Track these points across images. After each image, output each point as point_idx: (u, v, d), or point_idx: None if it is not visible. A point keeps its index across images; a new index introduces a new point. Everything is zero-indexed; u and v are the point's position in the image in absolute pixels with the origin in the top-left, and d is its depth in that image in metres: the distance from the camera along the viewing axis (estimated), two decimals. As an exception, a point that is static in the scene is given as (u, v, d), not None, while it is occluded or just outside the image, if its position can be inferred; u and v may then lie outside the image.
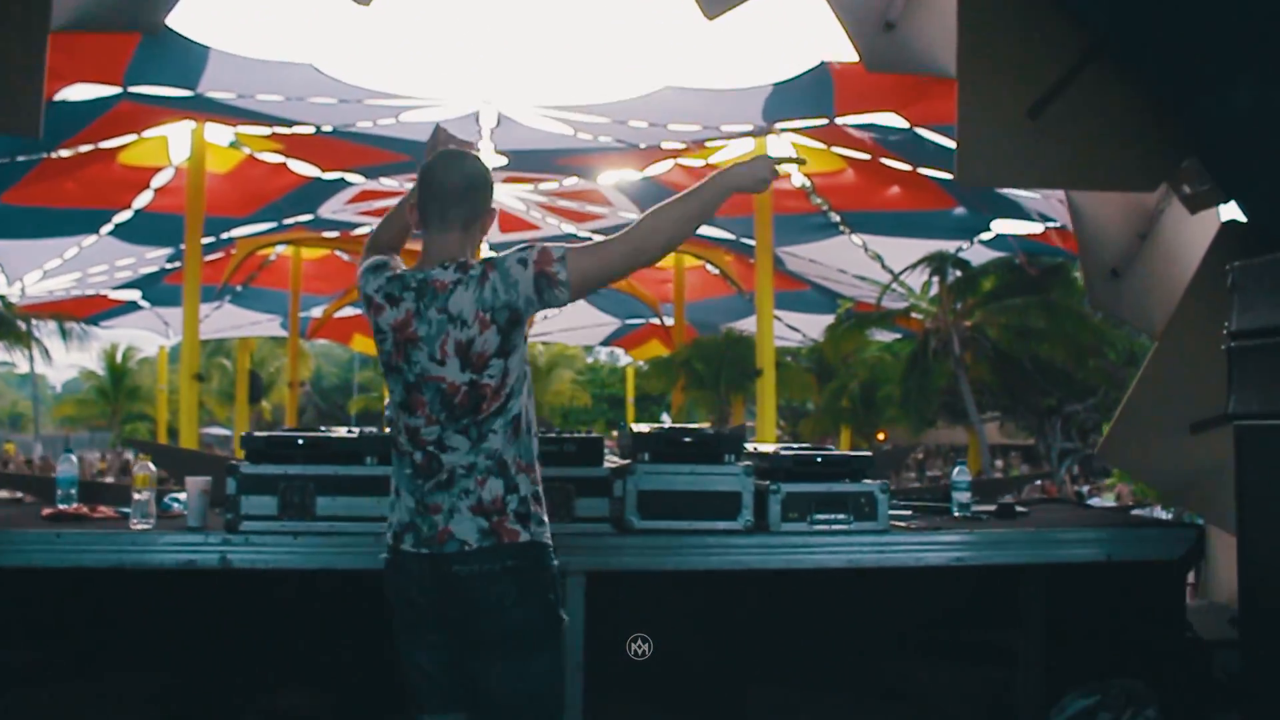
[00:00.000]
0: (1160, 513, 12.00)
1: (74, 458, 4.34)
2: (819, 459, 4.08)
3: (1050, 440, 23.63)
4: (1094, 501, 14.98)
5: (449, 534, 2.91)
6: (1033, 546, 4.08)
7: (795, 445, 4.39)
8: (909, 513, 4.54)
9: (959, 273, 21.85)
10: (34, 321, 23.56)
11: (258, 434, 3.94)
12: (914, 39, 4.20)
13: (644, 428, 4.08)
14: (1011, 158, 4.00)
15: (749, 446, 4.26)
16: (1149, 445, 4.31)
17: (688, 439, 3.94)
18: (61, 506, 4.02)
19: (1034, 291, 20.71)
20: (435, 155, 3.14)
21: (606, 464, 3.93)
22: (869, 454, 4.27)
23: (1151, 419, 4.31)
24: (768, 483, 3.91)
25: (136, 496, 3.67)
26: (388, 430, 3.21)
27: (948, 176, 18.15)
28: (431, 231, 3.08)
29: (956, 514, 4.49)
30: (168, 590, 3.95)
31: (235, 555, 3.66)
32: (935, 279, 22.07)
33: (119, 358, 39.38)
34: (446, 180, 3.06)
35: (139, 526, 3.65)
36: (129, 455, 37.06)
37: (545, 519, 3.02)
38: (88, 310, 28.72)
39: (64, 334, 23.35)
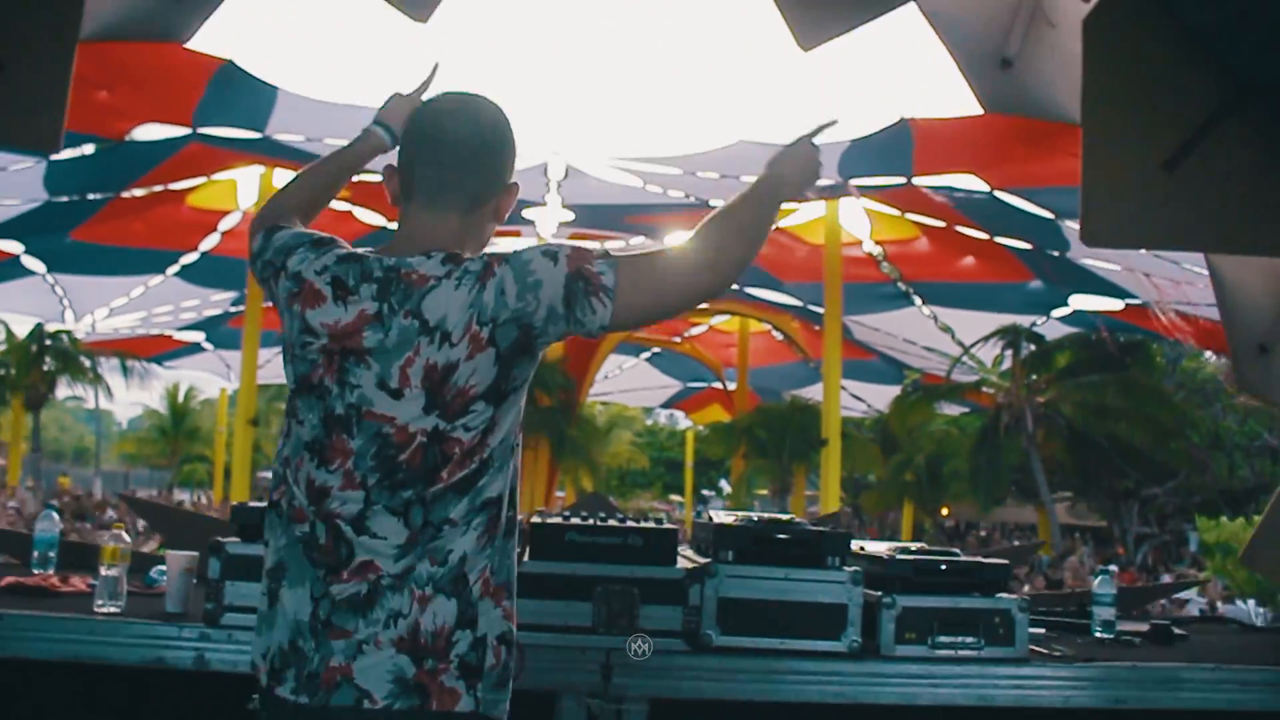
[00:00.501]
0: (1256, 608, 11.21)
1: (55, 516, 3.67)
2: (943, 565, 3.25)
3: (1126, 524, 22.68)
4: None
5: (344, 676, 1.87)
6: (1213, 688, 3.17)
7: (913, 547, 3.50)
8: (1043, 631, 3.58)
9: (1033, 347, 21.18)
10: (98, 358, 23.67)
11: (252, 504, 3.16)
12: (1033, 79, 3.75)
13: (728, 518, 3.32)
14: (1144, 215, 3.50)
15: (856, 546, 3.41)
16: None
17: (783, 535, 3.14)
18: (35, 572, 3.40)
19: (1112, 369, 19.96)
20: (436, 97, 2.16)
21: (681, 563, 3.15)
22: (1004, 561, 3.44)
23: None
24: (879, 593, 3.12)
25: (104, 572, 2.97)
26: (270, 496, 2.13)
27: (1026, 246, 17.66)
28: (417, 208, 2.05)
29: (1099, 634, 3.61)
30: (133, 689, 3.13)
31: (214, 654, 2.92)
32: (1008, 353, 21.40)
33: (180, 398, 39.73)
34: (455, 134, 2.04)
35: (104, 610, 2.93)
36: (183, 497, 37.18)
37: (509, 682, 1.98)
38: (152, 350, 28.90)
39: (125, 371, 23.45)
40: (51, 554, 3.52)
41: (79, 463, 57.47)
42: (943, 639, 3.11)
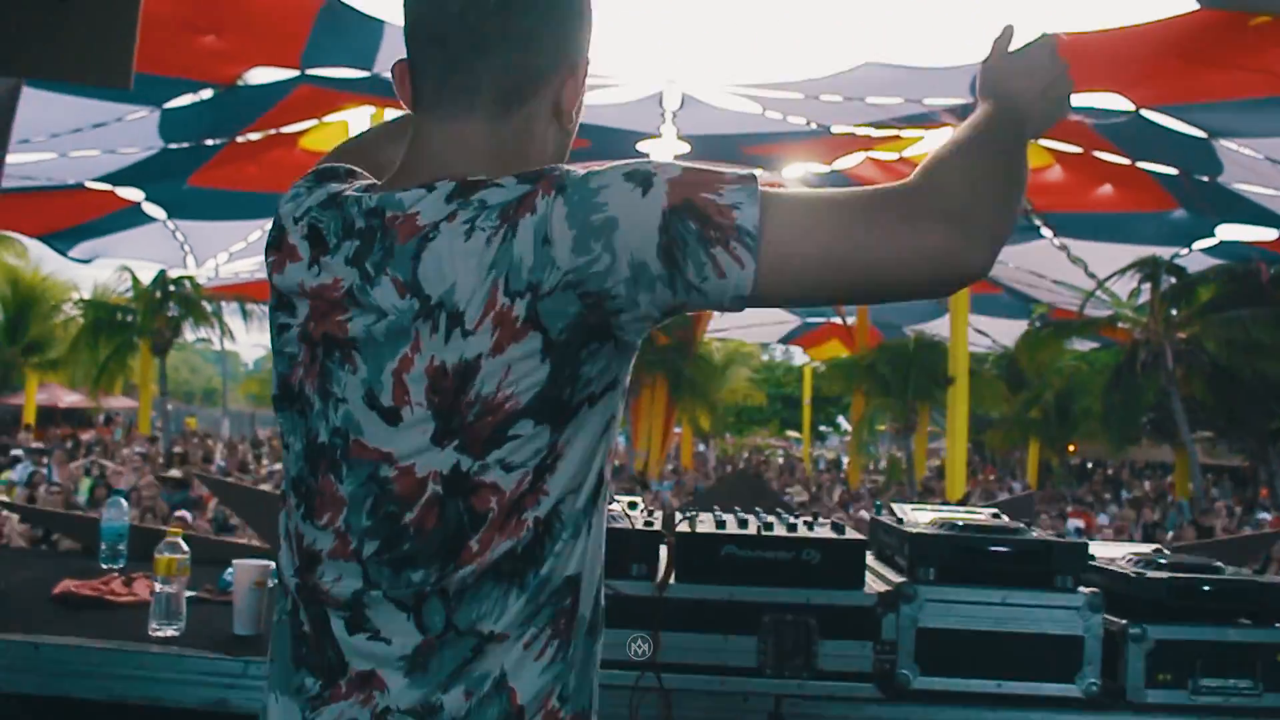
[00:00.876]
0: None
1: (124, 502, 3.22)
2: (1206, 584, 2.43)
3: (1275, 467, 21.45)
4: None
5: None
6: None
7: (1165, 556, 2.58)
8: None
9: (1174, 280, 20.01)
10: (220, 303, 24.08)
11: None
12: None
13: (923, 520, 2.56)
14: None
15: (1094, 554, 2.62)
16: None
17: (1001, 545, 2.39)
18: (102, 566, 2.98)
19: (1261, 303, 18.71)
20: None
21: (870, 586, 2.40)
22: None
23: None
24: (1124, 622, 2.37)
25: (158, 588, 2.47)
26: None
27: (1171, 172, 16.62)
28: (424, 115, 1.28)
29: None
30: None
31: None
32: (1145, 287, 20.28)
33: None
34: None
35: (160, 633, 2.44)
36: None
37: None
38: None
39: (245, 315, 23.75)
40: (120, 546, 3.12)
41: (208, 403, 59.08)
42: (1208, 682, 2.38)
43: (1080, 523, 15.31)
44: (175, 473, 13.26)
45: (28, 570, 3.11)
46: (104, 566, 3.07)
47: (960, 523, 2.49)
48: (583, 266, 1.12)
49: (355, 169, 1.40)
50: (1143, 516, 19.73)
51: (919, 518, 2.58)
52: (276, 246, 1.33)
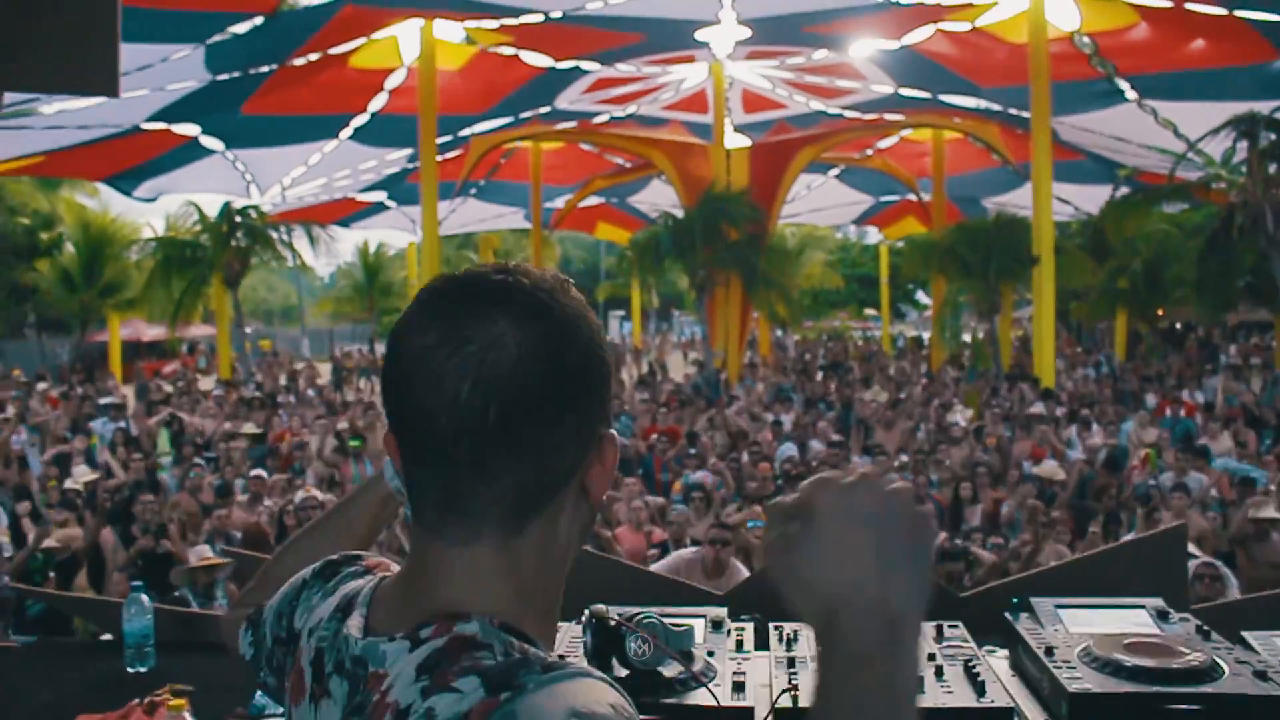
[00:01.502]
0: None
1: (145, 600, 2.82)
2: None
3: (1382, 326, 20.56)
4: None
5: None
6: None
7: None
8: None
9: (1274, 136, 18.86)
10: (287, 228, 24.01)
11: None
12: None
13: (1077, 653, 2.11)
14: None
15: None
16: None
17: (1189, 703, 1.93)
18: (128, 670, 2.65)
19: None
20: (425, 295, 1.07)
21: None
22: None
23: None
24: None
25: None
26: None
27: (1272, 18, 15.54)
28: (421, 533, 1.08)
29: None
30: None
31: None
32: (1242, 145, 19.17)
33: (371, 255, 40.50)
34: (429, 399, 1.00)
35: None
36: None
37: None
38: (337, 214, 29.27)
39: (312, 241, 23.68)
40: (148, 648, 2.80)
41: (286, 320, 59.95)
42: None
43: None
44: (251, 428, 13.21)
45: (44, 682, 2.78)
46: (129, 670, 2.78)
47: (1131, 664, 2.02)
48: None
49: (354, 554, 1.26)
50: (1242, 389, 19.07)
51: (1070, 647, 2.14)
52: (289, 669, 1.18)
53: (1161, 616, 2.35)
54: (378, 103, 20.67)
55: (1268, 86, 17.90)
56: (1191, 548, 6.85)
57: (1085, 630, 2.24)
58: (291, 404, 17.20)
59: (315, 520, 1.60)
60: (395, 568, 1.18)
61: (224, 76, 16.85)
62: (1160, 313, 28.12)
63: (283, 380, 21.94)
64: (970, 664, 2.10)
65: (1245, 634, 2.34)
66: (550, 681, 0.93)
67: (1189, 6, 15.82)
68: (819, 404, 16.79)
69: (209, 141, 20.52)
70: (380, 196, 28.58)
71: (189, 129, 19.41)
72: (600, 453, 1.07)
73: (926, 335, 34.50)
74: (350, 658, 1.07)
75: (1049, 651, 2.12)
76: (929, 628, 2.34)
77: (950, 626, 2.37)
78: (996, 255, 20.75)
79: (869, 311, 50.09)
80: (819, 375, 21.62)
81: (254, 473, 9.99)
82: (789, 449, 12.39)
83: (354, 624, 1.09)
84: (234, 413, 14.99)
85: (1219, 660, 2.04)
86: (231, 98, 17.93)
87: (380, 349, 38.42)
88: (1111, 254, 25.64)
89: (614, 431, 1.09)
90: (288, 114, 19.42)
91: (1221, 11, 15.76)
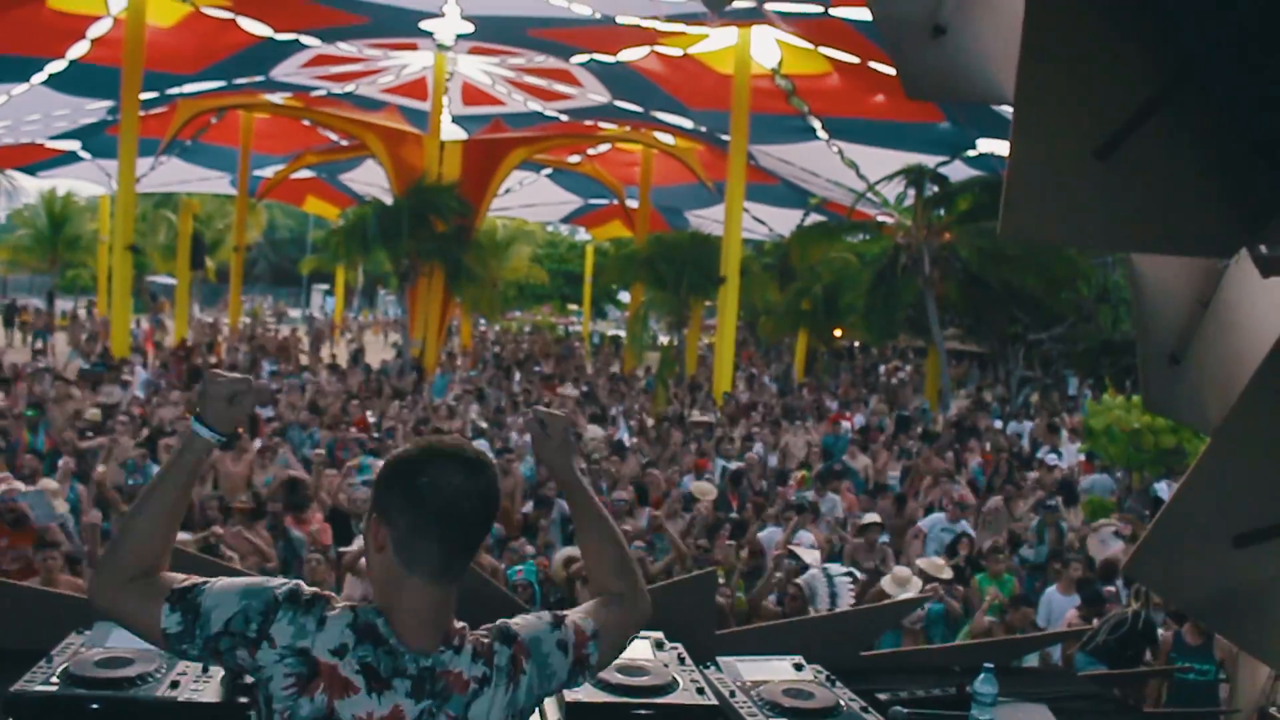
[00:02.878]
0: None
1: None
2: None
3: (1011, 366, 23.11)
4: (1050, 458, 14.49)
5: None
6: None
7: None
8: None
9: (936, 188, 21.03)
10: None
11: None
12: (967, 49, 3.36)
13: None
14: (1071, 208, 3.21)
15: None
16: (1183, 560, 3.60)
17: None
18: None
19: (1011, 215, 19.91)
20: (442, 457, 1.92)
21: None
22: None
23: (1191, 528, 3.57)
24: None
25: None
26: None
27: (937, 90, 17.31)
28: (422, 583, 1.88)
29: None
30: None
31: None
32: (911, 192, 21.24)
33: (58, 206, 37.68)
34: (473, 513, 1.92)
35: None
36: (66, 305, 35.82)
37: None
38: (22, 160, 27.37)
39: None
40: None
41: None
42: None
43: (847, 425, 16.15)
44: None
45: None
46: None
47: (614, 683, 2.95)
48: (540, 696, 2.02)
49: (317, 593, 1.89)
50: (899, 401, 21.05)
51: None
52: (314, 678, 1.80)
53: (657, 645, 3.26)
54: (78, 50, 19.54)
55: (935, 143, 19.91)
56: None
57: None
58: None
59: (147, 491, 1.96)
60: (343, 602, 1.88)
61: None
62: (837, 333, 30.35)
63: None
64: None
65: (720, 658, 3.28)
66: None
67: (872, 65, 17.38)
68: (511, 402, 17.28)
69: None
70: (74, 145, 26.94)
71: None
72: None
73: (625, 334, 35.76)
74: (418, 666, 1.85)
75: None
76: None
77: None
78: (689, 271, 22.00)
79: (572, 307, 51.21)
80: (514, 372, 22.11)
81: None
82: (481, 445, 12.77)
83: (397, 643, 1.85)
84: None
85: (677, 678, 2.98)
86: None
87: (61, 305, 36.00)
88: (796, 276, 27.54)
89: None
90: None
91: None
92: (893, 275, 21.09)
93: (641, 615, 2.19)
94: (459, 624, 1.94)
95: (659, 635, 3.29)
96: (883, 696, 3.27)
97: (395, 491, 1.89)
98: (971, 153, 20.04)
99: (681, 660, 3.17)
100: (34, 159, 28.13)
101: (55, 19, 18.22)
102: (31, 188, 36.98)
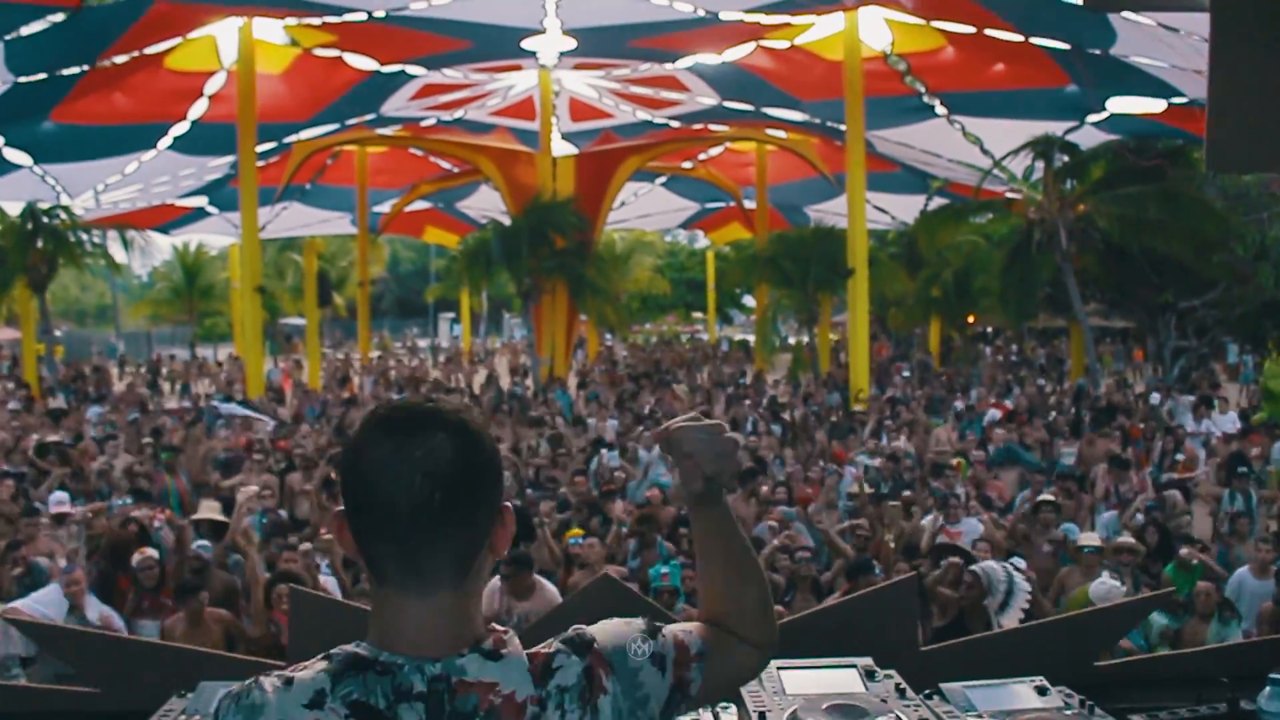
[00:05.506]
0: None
1: None
2: None
3: (1163, 339, 21.92)
4: (1203, 425, 13.63)
5: None
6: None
7: None
8: None
9: (1066, 158, 20.07)
10: (99, 231, 22.79)
11: None
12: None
13: None
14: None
15: None
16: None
17: None
18: None
19: (1150, 179, 18.88)
20: (370, 424, 1.48)
21: None
22: None
23: None
24: None
25: None
26: None
27: (1063, 47, 16.54)
28: (394, 595, 1.45)
29: None
30: None
31: None
32: (1040, 165, 20.34)
33: (190, 256, 38.97)
34: (397, 496, 1.41)
35: None
36: (207, 353, 36.94)
37: None
38: (156, 220, 28.22)
39: (126, 245, 22.60)
40: None
41: (101, 321, 57.33)
42: None
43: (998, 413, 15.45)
44: (57, 437, 12.70)
45: None
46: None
47: None
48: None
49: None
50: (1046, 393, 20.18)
51: (781, 710, 2.56)
52: None
53: (869, 675, 2.71)
54: (198, 110, 19.99)
55: (1062, 108, 19.03)
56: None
57: (799, 691, 2.62)
58: (103, 414, 16.54)
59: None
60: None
61: (27, 79, 16.04)
62: (971, 319, 29.43)
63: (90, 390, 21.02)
64: None
65: (943, 685, 2.67)
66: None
67: (989, 33, 16.69)
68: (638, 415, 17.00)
69: (14, 155, 19.42)
70: (201, 202, 27.70)
71: (-9, 139, 18.41)
72: (502, 519, 1.50)
73: (753, 338, 35.32)
74: (427, 678, 1.39)
75: (763, 716, 2.52)
76: None
77: None
78: (815, 266, 21.47)
79: (696, 315, 50.89)
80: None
81: (55, 498, 9.61)
82: (612, 457, 12.54)
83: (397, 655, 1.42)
84: (39, 423, 14.37)
85: (901, 718, 2.45)
86: (37, 103, 17.05)
87: (202, 353, 37.21)
88: (924, 264, 26.74)
89: (509, 504, 1.52)
90: (102, 124, 18.62)
91: (1018, 39, 16.69)
92: (1027, 253, 20.20)
93: (765, 664, 1.71)
94: (497, 627, 1.47)
95: (867, 662, 2.77)
96: (1136, 719, 2.70)
97: (343, 480, 1.48)
98: (1101, 115, 19.06)
99: (902, 693, 2.64)
100: (166, 219, 29.01)
101: (174, 79, 18.68)
102: (166, 245, 38.29)
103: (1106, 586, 6.70)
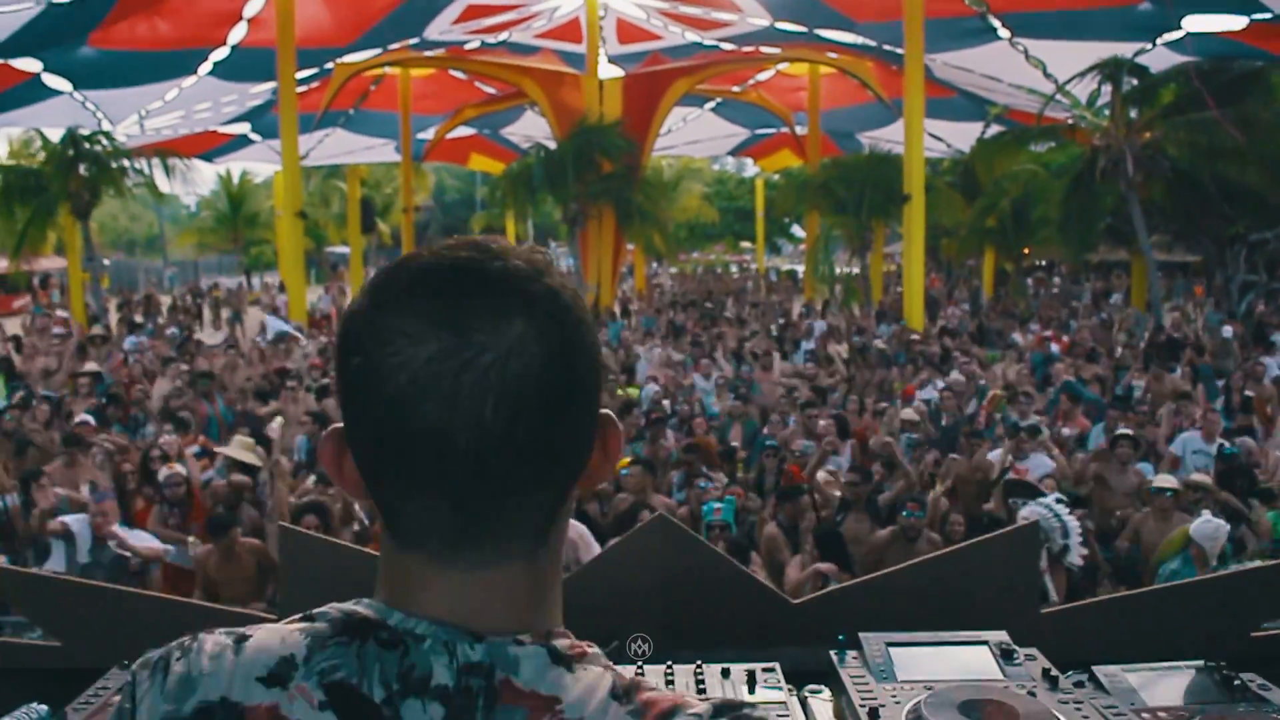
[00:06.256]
0: None
1: None
2: None
3: (1230, 271, 21.10)
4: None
5: None
6: None
7: None
8: None
9: (1135, 81, 19.18)
10: (142, 159, 22.57)
11: None
12: None
13: None
14: None
15: None
16: None
17: None
18: None
19: (1225, 103, 18.00)
20: (393, 276, 0.90)
21: None
22: None
23: None
24: None
25: None
26: None
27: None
28: (424, 563, 0.91)
29: None
30: None
31: None
32: (1107, 89, 19.46)
33: (234, 184, 38.90)
34: (446, 424, 0.85)
35: None
36: (255, 280, 36.95)
37: None
38: (199, 148, 27.96)
39: (168, 171, 22.34)
40: None
41: (150, 250, 57.54)
42: None
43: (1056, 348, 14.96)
44: (92, 366, 12.57)
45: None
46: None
47: None
48: None
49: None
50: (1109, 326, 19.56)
51: (899, 704, 1.94)
52: None
53: (1005, 656, 2.13)
54: (237, 34, 19.61)
55: (1132, 28, 18.15)
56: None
57: (918, 678, 2.05)
58: (144, 343, 16.41)
59: None
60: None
61: (62, 0, 15.68)
62: (1026, 251, 28.67)
63: (138, 317, 20.93)
64: None
65: (1097, 670, 2.21)
66: None
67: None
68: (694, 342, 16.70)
69: (53, 80, 19.18)
70: (244, 129, 27.43)
71: (29, 64, 18.07)
72: (603, 438, 0.96)
73: (801, 269, 34.73)
74: (457, 668, 0.87)
75: (874, 714, 1.91)
76: (740, 670, 2.12)
77: (766, 670, 2.14)
78: (869, 192, 20.87)
79: (744, 244, 50.26)
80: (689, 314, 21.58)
81: (80, 418, 9.46)
82: (650, 390, 12.31)
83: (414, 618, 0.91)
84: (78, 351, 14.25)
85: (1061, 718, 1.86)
86: (74, 27, 16.72)
87: (255, 282, 37.07)
88: (981, 192, 25.99)
89: (608, 412, 0.96)
90: (140, 49, 18.29)
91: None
92: (1090, 181, 19.43)
93: None
94: (585, 647, 0.92)
95: (1000, 637, 2.19)
96: None
97: (339, 378, 0.92)
98: (1174, 34, 18.14)
99: (1053, 681, 2.04)
100: (209, 146, 28.77)
101: (212, 2, 18.30)
102: (211, 174, 38.27)
103: (1213, 526, 6.25)
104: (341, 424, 0.93)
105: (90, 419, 9.59)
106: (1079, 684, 2.10)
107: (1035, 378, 13.04)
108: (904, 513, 6.91)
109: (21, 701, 2.09)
